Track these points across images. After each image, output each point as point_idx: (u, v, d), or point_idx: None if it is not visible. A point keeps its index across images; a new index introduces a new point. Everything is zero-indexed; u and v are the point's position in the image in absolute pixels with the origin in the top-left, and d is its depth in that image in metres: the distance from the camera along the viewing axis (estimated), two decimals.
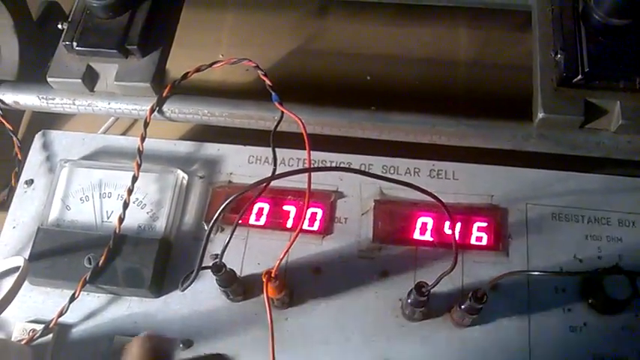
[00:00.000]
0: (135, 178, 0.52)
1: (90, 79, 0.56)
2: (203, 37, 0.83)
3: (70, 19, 0.56)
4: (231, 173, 0.55)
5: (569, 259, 0.49)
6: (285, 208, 0.53)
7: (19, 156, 0.55)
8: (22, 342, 0.48)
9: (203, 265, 0.43)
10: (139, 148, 0.52)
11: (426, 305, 0.45)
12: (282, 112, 0.48)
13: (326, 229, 0.52)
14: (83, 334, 0.49)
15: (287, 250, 0.44)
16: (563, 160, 0.54)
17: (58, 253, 0.50)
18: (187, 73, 0.54)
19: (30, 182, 0.55)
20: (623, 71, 0.51)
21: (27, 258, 0.47)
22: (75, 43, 0.54)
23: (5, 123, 0.56)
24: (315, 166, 0.53)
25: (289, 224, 0.52)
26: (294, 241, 0.45)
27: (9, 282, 0.50)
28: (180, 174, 0.53)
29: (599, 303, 0.46)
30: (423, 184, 0.52)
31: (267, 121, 0.53)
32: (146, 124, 0.53)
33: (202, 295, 0.50)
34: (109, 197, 0.53)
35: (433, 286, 0.42)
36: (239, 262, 0.50)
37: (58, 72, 0.56)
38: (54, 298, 0.51)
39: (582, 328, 0.47)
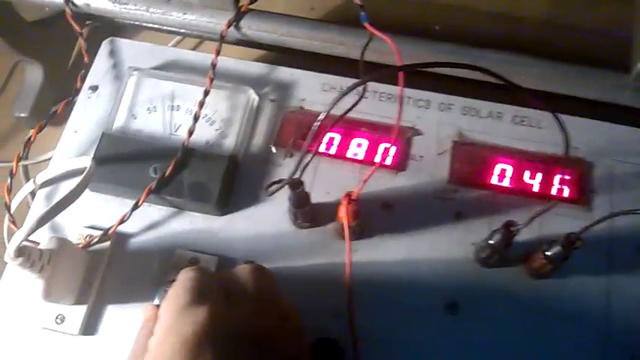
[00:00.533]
0: (207, 92, 0.50)
1: None
2: None
3: None
4: (303, 99, 0.52)
5: None
6: (358, 139, 0.50)
7: (86, 58, 0.53)
8: (79, 246, 0.46)
9: (283, 178, 0.41)
10: (212, 62, 0.50)
11: (507, 248, 0.43)
12: (372, 34, 0.45)
13: (400, 165, 0.49)
14: (142, 245, 0.48)
15: (367, 179, 0.42)
16: None
17: (121, 160, 0.49)
18: None
19: (95, 88, 0.54)
20: None
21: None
22: None
23: (73, 24, 0.54)
24: (389, 101, 0.51)
25: (360, 156, 0.50)
26: (375, 169, 0.43)
27: (73, 182, 0.49)
28: (252, 94, 0.51)
29: None
30: (506, 130, 0.51)
31: (348, 47, 0.51)
32: (222, 38, 0.51)
33: (268, 218, 0.48)
34: (177, 110, 0.51)
35: (525, 226, 0.40)
36: (307, 189, 0.48)
37: None
38: (113, 206, 0.49)
39: None
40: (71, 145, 0.52)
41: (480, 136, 0.50)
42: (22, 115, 0.67)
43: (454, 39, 0.75)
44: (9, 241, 0.54)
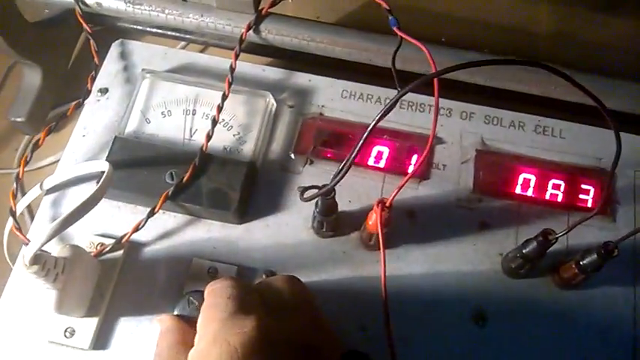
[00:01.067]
0: (225, 96, 0.48)
1: None
2: None
3: None
4: (322, 106, 0.51)
5: None
6: (379, 147, 0.49)
7: (96, 60, 0.51)
8: (91, 255, 0.44)
9: (313, 185, 0.39)
10: (231, 66, 0.49)
11: (541, 259, 0.42)
12: (401, 38, 0.44)
13: (423, 174, 0.48)
14: (157, 254, 0.45)
15: (402, 186, 0.41)
16: None
17: (135, 165, 0.47)
18: None
19: (104, 91, 0.51)
20: None
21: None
22: None
23: (84, 24, 0.52)
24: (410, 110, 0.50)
25: (382, 164, 0.49)
26: (408, 179, 0.41)
27: (87, 187, 0.47)
28: (271, 99, 0.50)
29: None
30: (528, 139, 0.51)
31: (371, 53, 0.50)
32: (241, 41, 0.49)
33: (288, 227, 0.46)
34: (192, 114, 0.49)
35: (562, 235, 0.39)
36: None
37: None
38: (124, 213, 0.47)
39: None
40: (80, 150, 0.49)
41: (502, 145, 0.50)
42: (19, 119, 0.64)
43: None
44: (7, 249, 0.52)
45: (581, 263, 0.41)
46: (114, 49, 0.53)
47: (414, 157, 0.49)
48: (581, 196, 0.48)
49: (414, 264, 0.45)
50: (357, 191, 0.48)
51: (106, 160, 0.46)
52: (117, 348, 0.42)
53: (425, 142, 0.49)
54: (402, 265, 0.45)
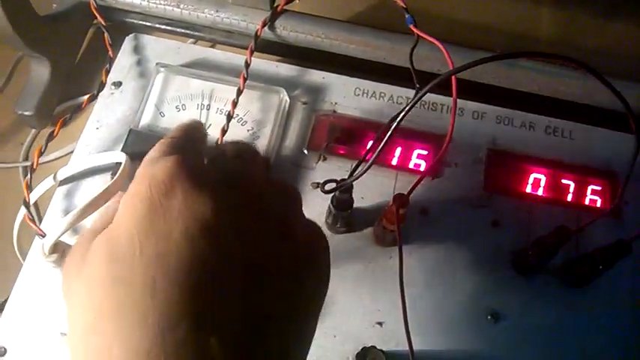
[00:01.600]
0: (240, 92, 0.48)
1: None
2: None
3: None
4: (335, 103, 0.52)
5: None
6: (392, 145, 0.50)
7: (110, 53, 0.51)
8: None
9: (329, 179, 0.40)
10: (246, 61, 0.49)
11: (553, 256, 0.42)
12: (418, 36, 0.45)
13: (436, 172, 0.49)
14: None
15: (418, 183, 0.42)
16: None
17: None
18: None
19: (118, 84, 0.51)
20: None
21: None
22: None
23: (98, 16, 0.52)
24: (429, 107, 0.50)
25: (394, 162, 0.49)
26: (423, 176, 0.42)
27: (100, 179, 0.47)
28: (285, 95, 0.50)
29: None
30: (538, 140, 0.51)
31: (385, 51, 0.50)
32: (257, 37, 0.50)
33: None
34: (207, 109, 0.49)
35: (577, 233, 0.39)
36: None
37: None
38: None
39: None
40: (93, 142, 0.49)
41: (513, 145, 0.50)
42: (27, 113, 0.63)
43: None
44: (17, 239, 0.52)
45: (592, 261, 0.41)
46: (127, 43, 0.53)
47: (426, 155, 0.49)
48: (591, 197, 0.49)
49: (427, 260, 0.46)
50: (370, 188, 0.48)
51: (121, 151, 0.47)
52: None
53: (437, 140, 0.50)
54: (414, 261, 0.45)
